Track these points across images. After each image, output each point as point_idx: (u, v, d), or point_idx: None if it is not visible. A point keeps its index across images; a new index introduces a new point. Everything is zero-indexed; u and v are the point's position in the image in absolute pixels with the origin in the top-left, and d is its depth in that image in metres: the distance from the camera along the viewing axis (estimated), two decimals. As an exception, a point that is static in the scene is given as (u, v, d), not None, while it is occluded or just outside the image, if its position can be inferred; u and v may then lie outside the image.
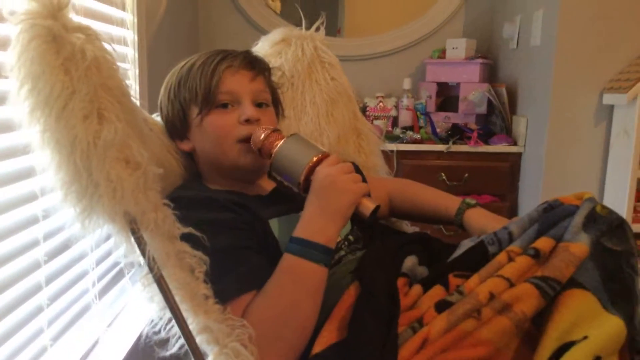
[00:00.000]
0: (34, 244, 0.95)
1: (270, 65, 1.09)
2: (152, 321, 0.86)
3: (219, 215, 0.88)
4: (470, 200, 1.09)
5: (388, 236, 1.07)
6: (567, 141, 1.92)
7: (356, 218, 0.89)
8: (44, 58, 0.68)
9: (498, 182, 2.16)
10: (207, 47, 2.41)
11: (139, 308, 1.33)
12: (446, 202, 1.11)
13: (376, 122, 2.30)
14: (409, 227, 1.27)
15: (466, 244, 0.93)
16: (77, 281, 1.12)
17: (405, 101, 2.34)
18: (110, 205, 0.72)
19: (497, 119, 2.26)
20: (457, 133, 2.18)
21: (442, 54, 2.41)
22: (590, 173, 1.94)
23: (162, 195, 0.81)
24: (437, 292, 0.84)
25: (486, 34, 2.54)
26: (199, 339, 0.79)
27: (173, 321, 0.79)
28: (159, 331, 0.85)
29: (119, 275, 1.33)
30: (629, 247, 0.79)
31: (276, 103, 1.09)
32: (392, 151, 2.06)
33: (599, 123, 1.90)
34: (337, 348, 0.79)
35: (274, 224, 0.93)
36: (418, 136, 2.17)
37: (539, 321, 0.77)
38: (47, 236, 0.98)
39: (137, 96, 1.46)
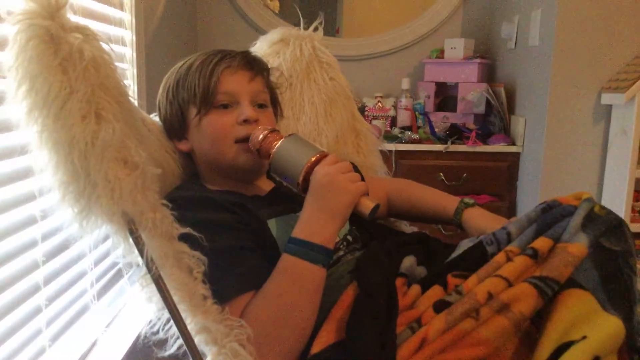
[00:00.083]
0: (32, 244, 0.95)
1: (269, 66, 1.09)
2: (151, 321, 0.86)
3: (218, 215, 0.87)
4: (468, 200, 1.09)
5: (387, 236, 1.07)
6: (565, 141, 1.92)
7: (355, 218, 0.89)
8: (42, 58, 0.68)
9: (496, 181, 2.16)
10: (205, 46, 2.41)
11: (138, 308, 1.33)
12: (445, 201, 1.11)
13: (375, 122, 2.30)
14: (407, 227, 1.27)
15: (465, 244, 0.93)
16: (76, 282, 1.12)
17: (404, 101, 2.34)
18: (108, 206, 0.72)
19: (495, 119, 2.26)
20: (456, 133, 2.18)
21: (440, 53, 2.41)
22: (588, 173, 1.94)
23: (160, 195, 0.81)
24: (435, 292, 0.84)
25: (484, 34, 2.54)
26: (197, 340, 0.79)
27: (171, 321, 0.79)
28: (158, 331, 0.85)
29: (118, 276, 1.33)
30: (627, 247, 0.79)
31: (275, 103, 1.09)
32: (390, 151, 2.06)
33: (597, 123, 1.90)
34: (335, 348, 0.79)
35: (273, 224, 0.93)
36: (416, 136, 2.17)
37: (538, 321, 0.77)
38: (46, 237, 0.98)
39: (135, 96, 1.46)
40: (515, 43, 2.21)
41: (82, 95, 0.70)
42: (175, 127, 1.00)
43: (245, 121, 0.95)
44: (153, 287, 0.78)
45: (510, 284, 0.78)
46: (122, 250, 0.77)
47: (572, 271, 0.77)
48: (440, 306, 0.80)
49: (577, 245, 0.78)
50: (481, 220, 1.05)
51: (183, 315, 0.78)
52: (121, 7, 1.42)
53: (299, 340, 0.81)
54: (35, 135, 0.69)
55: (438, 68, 2.38)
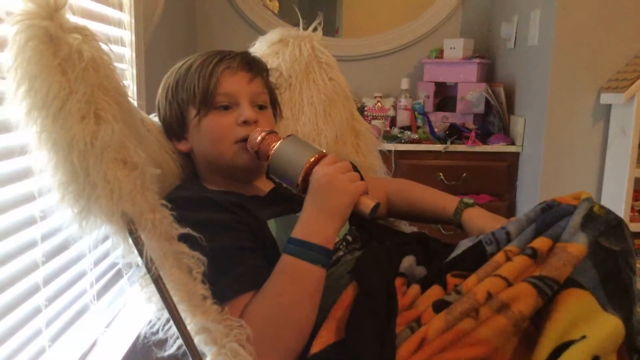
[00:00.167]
0: (32, 244, 0.95)
1: (268, 66, 1.09)
2: (150, 322, 0.86)
3: (217, 215, 0.87)
4: (468, 199, 1.09)
5: (386, 236, 1.07)
6: (564, 141, 1.92)
7: (355, 218, 0.89)
8: (41, 59, 0.67)
9: (496, 181, 2.16)
10: (204, 47, 2.41)
11: (137, 309, 1.33)
12: (444, 201, 1.11)
13: (374, 122, 2.30)
14: (407, 227, 1.27)
15: (464, 244, 0.93)
16: (75, 282, 1.12)
17: (403, 101, 2.34)
18: (107, 206, 0.72)
19: (494, 119, 2.27)
20: (455, 133, 2.18)
21: (439, 53, 2.41)
22: (587, 172, 1.94)
23: (159, 195, 0.81)
24: (435, 292, 0.84)
25: (484, 34, 2.54)
26: (197, 340, 0.79)
27: (171, 322, 0.79)
28: (157, 332, 0.85)
29: (117, 276, 1.33)
30: (626, 247, 0.79)
31: (274, 104, 1.09)
32: (390, 151, 2.06)
33: (597, 122, 1.90)
34: (335, 348, 0.79)
35: (272, 224, 0.93)
36: (416, 136, 2.17)
37: (538, 321, 0.77)
38: (45, 237, 0.98)
39: (135, 97, 1.46)
40: (515, 43, 2.21)
41: (82, 96, 0.70)
42: (175, 128, 1.00)
43: (245, 122, 0.95)
44: (153, 287, 0.78)
45: (509, 284, 0.78)
46: (122, 251, 0.77)
47: (571, 271, 0.77)
48: (439, 306, 0.80)
49: (577, 245, 0.78)
50: (481, 220, 1.05)
51: (183, 315, 0.79)
52: (120, 7, 1.42)
53: (298, 340, 0.81)
54: (34, 135, 0.69)
55: (437, 68, 2.38)
